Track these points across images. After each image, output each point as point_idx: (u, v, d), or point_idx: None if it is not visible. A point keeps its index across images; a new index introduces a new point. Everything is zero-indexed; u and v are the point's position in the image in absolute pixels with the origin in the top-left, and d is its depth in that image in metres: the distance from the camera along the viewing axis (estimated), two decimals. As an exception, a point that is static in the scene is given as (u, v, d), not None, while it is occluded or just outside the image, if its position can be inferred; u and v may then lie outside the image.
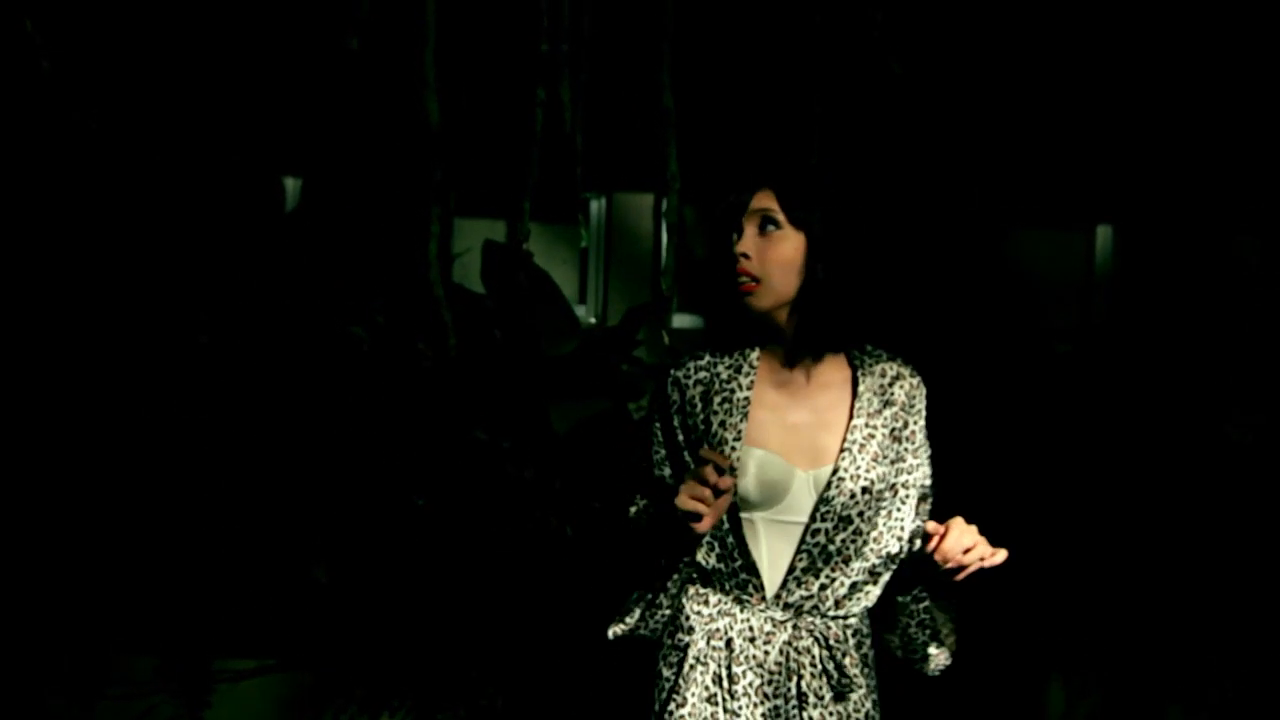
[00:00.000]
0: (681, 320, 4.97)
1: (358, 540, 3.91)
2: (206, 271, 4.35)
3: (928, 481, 1.89)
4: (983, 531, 1.82)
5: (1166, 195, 4.86)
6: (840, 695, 1.75)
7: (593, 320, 5.25)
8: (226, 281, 4.36)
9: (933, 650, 1.90)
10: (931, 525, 1.78)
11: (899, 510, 1.82)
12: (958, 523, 1.77)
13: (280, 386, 4.17)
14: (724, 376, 1.77)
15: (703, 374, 1.79)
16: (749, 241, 1.73)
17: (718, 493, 1.61)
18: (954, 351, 4.56)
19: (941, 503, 4.23)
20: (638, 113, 4.22)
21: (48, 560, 3.83)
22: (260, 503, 3.96)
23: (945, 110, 4.61)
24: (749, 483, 1.73)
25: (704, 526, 1.64)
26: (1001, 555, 1.76)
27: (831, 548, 1.75)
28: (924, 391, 1.86)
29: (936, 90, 4.58)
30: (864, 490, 1.75)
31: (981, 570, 1.80)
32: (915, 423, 1.82)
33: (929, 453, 1.88)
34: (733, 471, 1.71)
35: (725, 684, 1.74)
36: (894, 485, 1.79)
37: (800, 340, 1.76)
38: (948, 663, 1.94)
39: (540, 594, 3.80)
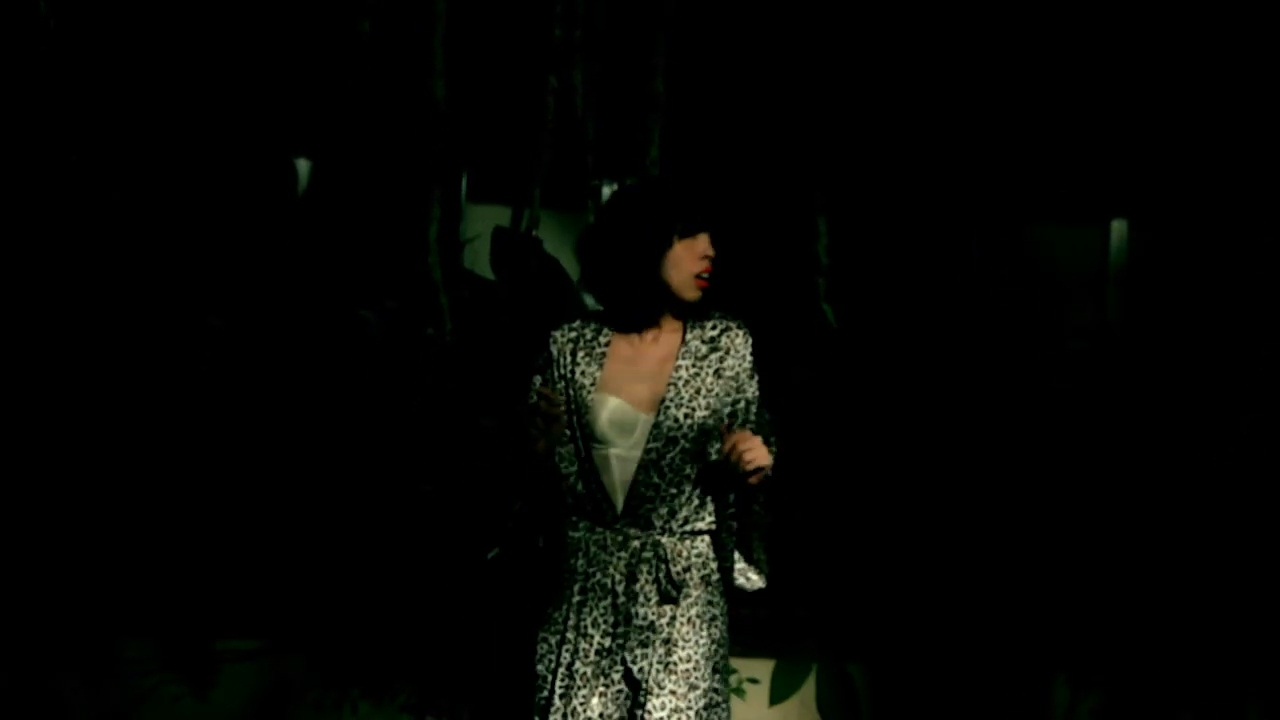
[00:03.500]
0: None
1: (364, 525, 3.92)
2: (218, 253, 4.36)
3: (749, 406, 2.22)
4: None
5: (1181, 188, 4.82)
6: (665, 599, 2.15)
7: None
8: (238, 264, 4.37)
9: (739, 564, 2.20)
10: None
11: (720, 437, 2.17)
12: (743, 431, 2.13)
13: (290, 369, 4.18)
14: (588, 336, 2.21)
15: (573, 334, 2.22)
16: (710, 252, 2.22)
17: (547, 422, 2.08)
18: (968, 349, 4.53)
19: (952, 496, 4.19)
20: (648, 99, 4.20)
21: (54, 542, 3.85)
22: (267, 485, 3.98)
23: (957, 106, 4.58)
24: (602, 422, 2.16)
25: (540, 446, 2.11)
26: (765, 458, 2.10)
27: (664, 464, 2.13)
28: (747, 337, 2.24)
29: (949, 87, 4.55)
30: (686, 416, 2.14)
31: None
32: (737, 364, 2.20)
33: (753, 388, 2.24)
34: (564, 407, 2.15)
35: (580, 590, 2.18)
36: (718, 413, 2.18)
37: (686, 312, 2.23)
38: (760, 584, 2.24)
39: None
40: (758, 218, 4.66)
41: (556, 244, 4.66)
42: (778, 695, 3.85)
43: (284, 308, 4.31)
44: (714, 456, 2.17)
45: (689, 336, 2.18)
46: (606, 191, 5.31)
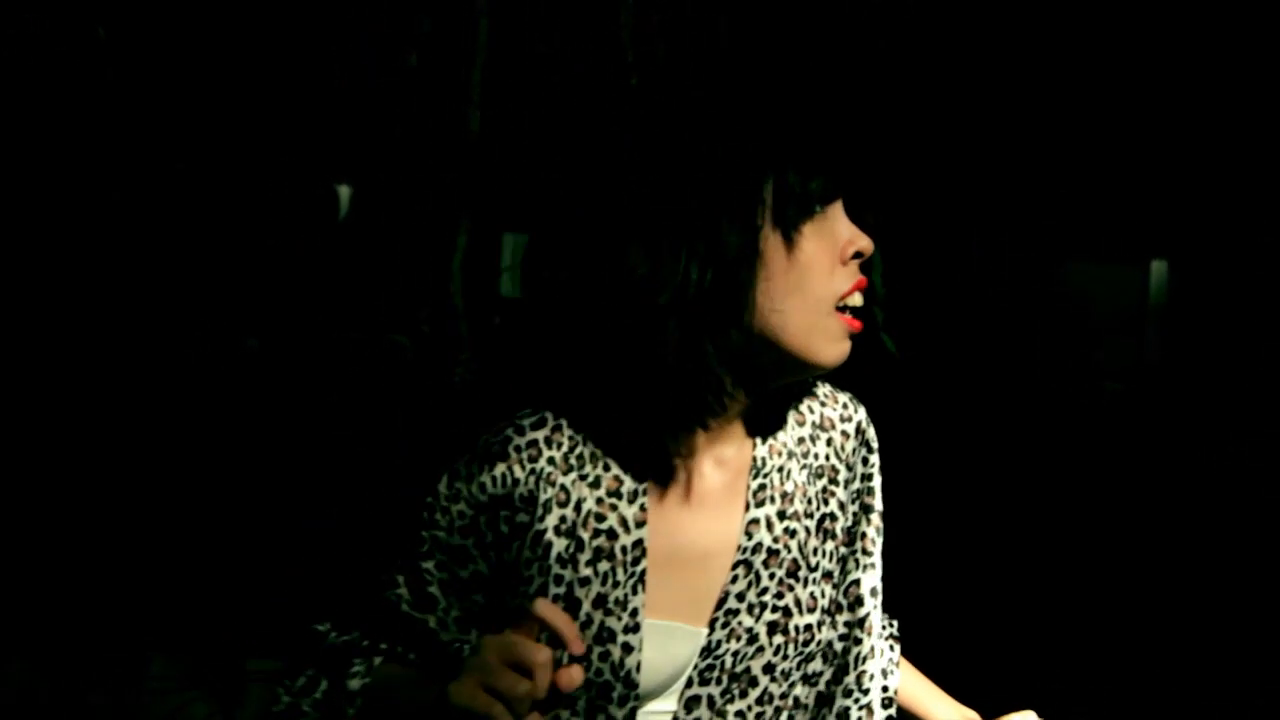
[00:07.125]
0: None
1: (399, 555, 3.94)
2: (258, 275, 4.41)
3: (872, 584, 1.16)
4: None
5: (1223, 229, 4.78)
6: None
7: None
8: (277, 286, 4.42)
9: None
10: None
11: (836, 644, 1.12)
12: None
13: (325, 392, 4.22)
14: (594, 498, 1.03)
15: (559, 469, 1.02)
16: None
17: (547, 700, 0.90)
18: (1002, 389, 4.51)
19: (982, 541, 4.18)
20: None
21: (86, 558, 3.90)
22: (300, 507, 4.01)
23: (998, 143, 4.57)
24: (644, 670, 1.07)
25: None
26: None
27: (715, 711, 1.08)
28: (869, 435, 1.15)
29: (989, 123, 4.55)
30: (769, 627, 1.06)
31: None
32: (863, 492, 1.10)
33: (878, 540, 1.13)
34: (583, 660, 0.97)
35: None
36: (830, 602, 1.10)
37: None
38: None
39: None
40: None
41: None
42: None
43: (321, 331, 4.35)
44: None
45: (759, 455, 1.10)
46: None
